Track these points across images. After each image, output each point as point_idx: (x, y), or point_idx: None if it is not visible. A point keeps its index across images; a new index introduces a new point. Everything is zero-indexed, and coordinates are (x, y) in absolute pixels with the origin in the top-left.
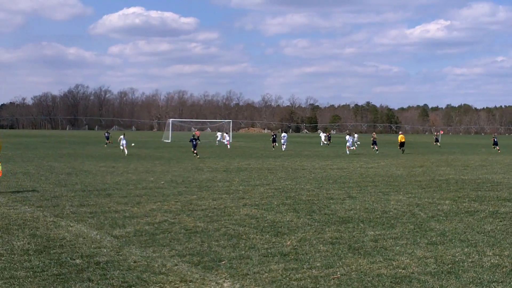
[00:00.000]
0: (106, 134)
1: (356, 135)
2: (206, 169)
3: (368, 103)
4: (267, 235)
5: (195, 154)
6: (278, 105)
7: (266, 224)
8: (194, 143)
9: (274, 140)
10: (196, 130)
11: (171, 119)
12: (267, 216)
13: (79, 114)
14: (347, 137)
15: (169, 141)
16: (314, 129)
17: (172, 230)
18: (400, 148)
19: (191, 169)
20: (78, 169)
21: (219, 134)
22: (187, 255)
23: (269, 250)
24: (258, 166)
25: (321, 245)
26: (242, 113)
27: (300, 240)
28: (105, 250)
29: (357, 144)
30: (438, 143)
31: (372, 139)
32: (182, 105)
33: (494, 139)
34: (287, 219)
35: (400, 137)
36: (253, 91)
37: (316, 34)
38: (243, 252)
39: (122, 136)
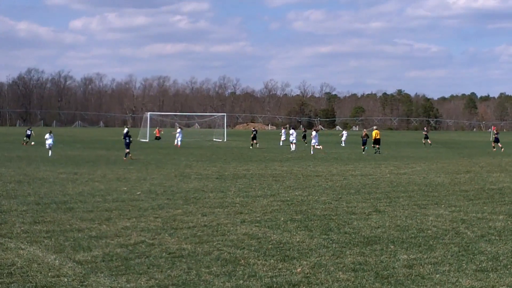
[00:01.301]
0: (28, 131)
1: (345, 132)
2: (194, 176)
3: (399, 91)
4: (272, 260)
5: (129, 156)
6: (285, 94)
7: (270, 246)
8: (128, 141)
9: (254, 137)
10: (157, 128)
11: (149, 113)
12: (272, 236)
13: (32, 106)
14: (344, 132)
15: (147, 140)
16: (332, 124)
17: (151, 253)
18: (373, 147)
19: (175, 176)
20: (32, 176)
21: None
22: (170, 285)
23: (274, 279)
24: (260, 172)
25: (340, 273)
26: (240, 104)
27: (313, 266)
28: (65, 280)
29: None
30: (498, 144)
31: (362, 137)
32: (163, 94)
33: (495, 136)
34: (297, 240)
35: (375, 133)
36: (253, 77)
37: (334, 4)
38: (241, 281)
39: (48, 134)
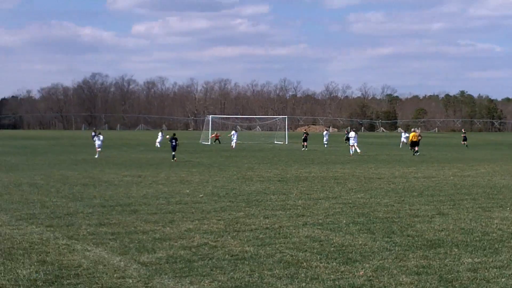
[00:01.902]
0: (93, 134)
1: (326, 132)
2: (256, 179)
3: (462, 92)
4: (334, 263)
5: (174, 159)
6: (346, 96)
7: (332, 249)
8: (174, 144)
9: (305, 140)
10: (215, 133)
11: (210, 116)
12: (334, 239)
13: (96, 110)
14: (352, 133)
15: (209, 143)
16: (393, 126)
17: (214, 255)
18: (411, 149)
19: (237, 179)
20: (97, 179)
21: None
22: (233, 287)
23: (336, 282)
24: (322, 174)
25: (403, 276)
26: (301, 107)
27: (376, 269)
28: (130, 281)
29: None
30: None
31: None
32: (225, 97)
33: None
34: (360, 242)
35: (412, 135)
36: (313, 80)
37: (395, 5)
38: (303, 284)
39: (96, 136)
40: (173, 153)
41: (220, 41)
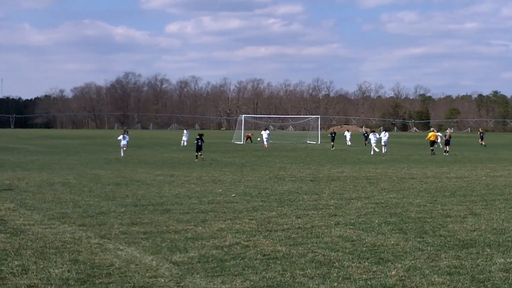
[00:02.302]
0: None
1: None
2: (288, 179)
3: (495, 92)
4: (366, 263)
5: (199, 158)
6: (379, 96)
7: (364, 249)
8: (200, 144)
9: (333, 139)
10: (250, 132)
11: (243, 115)
12: (366, 238)
13: (129, 109)
14: (371, 135)
15: (242, 142)
16: (426, 126)
17: (246, 255)
18: (430, 148)
19: (269, 179)
20: (129, 178)
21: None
22: (265, 287)
23: (368, 282)
24: (354, 174)
25: (435, 276)
26: (333, 107)
27: (408, 269)
28: (162, 280)
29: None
30: None
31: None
32: (257, 97)
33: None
34: (392, 242)
35: (430, 135)
36: (346, 79)
37: (427, 5)
38: (335, 284)
39: (121, 136)
40: (198, 153)
41: (253, 41)
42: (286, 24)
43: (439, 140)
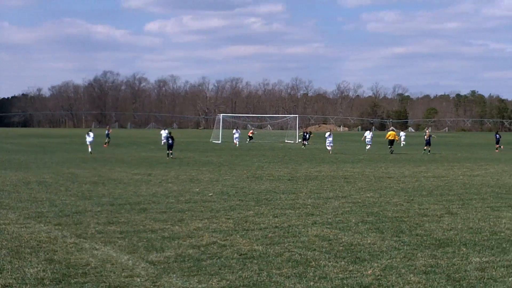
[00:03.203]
0: (107, 131)
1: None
2: (265, 178)
3: (473, 92)
4: (343, 262)
5: (170, 156)
6: (358, 95)
7: (341, 248)
8: (170, 142)
9: (305, 138)
10: (252, 128)
11: (221, 114)
12: (343, 238)
13: (107, 108)
14: (366, 132)
15: (219, 142)
16: (404, 125)
17: (223, 254)
18: (389, 147)
19: (247, 178)
20: (106, 177)
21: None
22: (241, 286)
23: (344, 281)
24: (332, 173)
25: (411, 275)
26: (312, 106)
27: (384, 268)
28: (138, 280)
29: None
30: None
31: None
32: (236, 96)
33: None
34: (368, 242)
35: (389, 134)
36: (326, 79)
37: (409, 4)
38: (312, 283)
39: (87, 134)
40: (169, 151)
41: (234, 40)
42: (267, 23)
43: (402, 139)
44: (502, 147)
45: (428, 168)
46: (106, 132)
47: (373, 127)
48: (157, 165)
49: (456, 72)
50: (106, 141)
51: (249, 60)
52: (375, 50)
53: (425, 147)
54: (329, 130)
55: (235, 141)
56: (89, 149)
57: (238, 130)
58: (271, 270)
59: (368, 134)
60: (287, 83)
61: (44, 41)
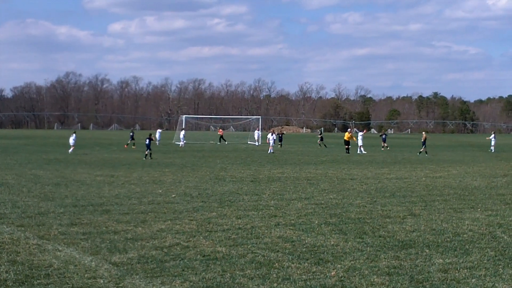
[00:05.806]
0: (131, 133)
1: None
2: (228, 179)
3: (435, 94)
4: (306, 263)
5: (148, 157)
6: (320, 97)
7: (304, 249)
8: (148, 143)
9: (280, 140)
10: (219, 128)
11: (184, 116)
12: (306, 239)
13: (69, 109)
14: (359, 134)
15: (182, 143)
16: (366, 127)
17: (186, 256)
18: (345, 147)
19: (210, 179)
20: (69, 178)
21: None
22: (205, 287)
23: (308, 282)
24: (295, 175)
25: (374, 276)
26: (274, 107)
27: (348, 269)
28: (101, 281)
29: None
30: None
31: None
32: (199, 97)
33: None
34: (331, 243)
35: (345, 135)
36: (288, 80)
37: (372, 6)
38: (275, 284)
39: (73, 135)
40: (147, 151)
41: (197, 41)
42: (231, 25)
43: (359, 139)
44: (388, 148)
45: (391, 169)
46: (130, 133)
47: (322, 129)
48: (120, 166)
49: (419, 73)
50: (132, 142)
51: (212, 61)
52: (338, 52)
53: (421, 150)
54: (272, 130)
55: (181, 142)
56: (70, 150)
57: (183, 131)
58: (234, 272)
59: (270, 135)
60: (250, 84)
61: (6, 41)
